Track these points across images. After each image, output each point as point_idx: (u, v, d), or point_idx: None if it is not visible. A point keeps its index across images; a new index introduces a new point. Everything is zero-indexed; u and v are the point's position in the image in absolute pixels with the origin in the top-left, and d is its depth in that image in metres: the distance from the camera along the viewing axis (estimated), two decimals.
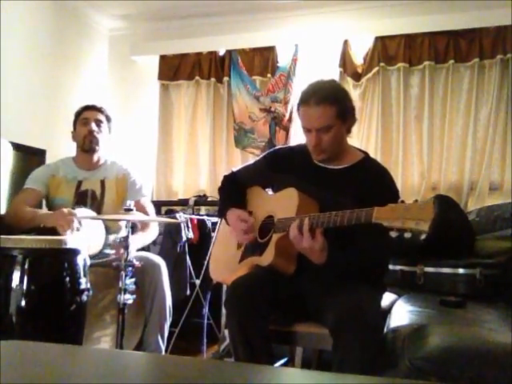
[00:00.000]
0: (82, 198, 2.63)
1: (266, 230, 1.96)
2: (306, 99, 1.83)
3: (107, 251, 2.45)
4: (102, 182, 2.69)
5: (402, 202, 1.52)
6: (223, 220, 2.15)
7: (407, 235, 1.46)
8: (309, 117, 1.84)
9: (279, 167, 2.03)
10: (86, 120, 2.70)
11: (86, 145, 2.69)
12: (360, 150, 2.02)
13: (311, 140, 1.87)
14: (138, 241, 2.47)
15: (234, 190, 2.15)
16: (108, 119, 2.77)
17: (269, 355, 1.77)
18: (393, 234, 1.47)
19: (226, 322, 1.92)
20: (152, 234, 2.74)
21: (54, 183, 2.68)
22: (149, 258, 2.55)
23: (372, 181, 1.82)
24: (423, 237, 1.46)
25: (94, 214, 2.52)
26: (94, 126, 2.69)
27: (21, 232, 2.47)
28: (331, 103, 1.80)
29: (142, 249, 2.78)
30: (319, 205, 1.83)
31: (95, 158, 2.73)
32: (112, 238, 2.48)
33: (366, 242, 1.72)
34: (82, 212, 2.44)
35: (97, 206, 2.64)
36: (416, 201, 1.50)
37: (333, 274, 1.79)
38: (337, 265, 1.75)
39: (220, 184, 2.25)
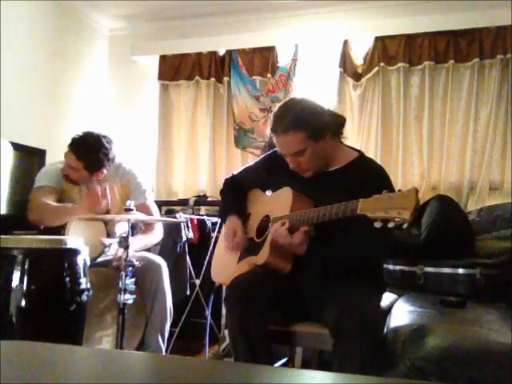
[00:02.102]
0: None
1: (262, 230, 1.98)
2: (274, 127, 1.86)
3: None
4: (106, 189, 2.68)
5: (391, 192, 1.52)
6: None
7: (390, 225, 1.45)
8: (279, 144, 1.88)
9: (277, 169, 2.04)
10: (65, 156, 2.60)
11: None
12: (355, 149, 2.01)
13: (290, 164, 1.90)
14: (137, 242, 2.46)
15: (234, 195, 2.19)
16: (88, 163, 2.56)
17: (269, 353, 1.77)
18: (377, 225, 1.47)
19: (226, 319, 1.92)
20: (155, 236, 2.72)
21: (67, 183, 2.66)
22: (149, 258, 2.56)
23: (367, 179, 1.81)
24: (405, 226, 1.45)
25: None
26: (67, 170, 2.59)
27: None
28: (297, 130, 1.80)
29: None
30: (315, 206, 1.83)
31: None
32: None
33: (353, 236, 1.74)
34: None
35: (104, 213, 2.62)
36: (400, 190, 1.50)
37: (327, 263, 1.81)
38: (329, 252, 1.78)
39: (222, 186, 2.28)
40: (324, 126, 1.85)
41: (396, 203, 1.45)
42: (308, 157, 1.84)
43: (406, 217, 1.42)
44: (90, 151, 2.54)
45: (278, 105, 1.96)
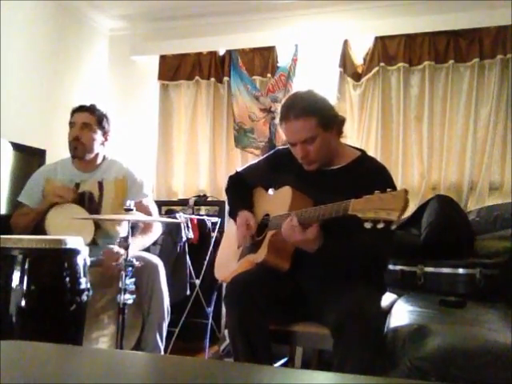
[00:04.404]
0: (80, 200, 2.60)
1: (263, 228, 1.99)
2: (286, 114, 1.86)
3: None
4: (100, 184, 2.65)
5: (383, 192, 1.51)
6: (231, 220, 2.17)
7: (380, 226, 1.44)
8: (291, 131, 1.87)
9: (279, 168, 2.05)
10: (73, 124, 2.65)
11: (71, 151, 2.64)
12: (356, 149, 2.02)
13: (298, 153, 1.89)
14: (136, 244, 2.46)
15: (242, 191, 2.18)
16: (100, 119, 2.67)
17: (268, 352, 1.77)
18: (367, 225, 1.46)
19: (226, 318, 1.92)
20: (154, 234, 2.72)
21: (49, 187, 2.65)
22: (146, 257, 2.55)
23: (369, 178, 1.80)
24: (393, 227, 1.45)
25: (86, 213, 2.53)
26: (78, 131, 2.62)
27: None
28: (310, 115, 1.81)
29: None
30: (315, 205, 1.83)
31: (89, 161, 2.67)
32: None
33: (356, 236, 1.70)
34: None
35: (95, 208, 2.61)
36: (391, 191, 1.49)
37: (327, 263, 1.80)
38: (330, 252, 1.76)
39: (226, 185, 2.29)
40: (333, 116, 1.87)
41: (385, 204, 1.45)
42: (317, 145, 1.84)
43: (393, 218, 1.42)
44: (98, 108, 2.71)
45: (282, 101, 1.98)
